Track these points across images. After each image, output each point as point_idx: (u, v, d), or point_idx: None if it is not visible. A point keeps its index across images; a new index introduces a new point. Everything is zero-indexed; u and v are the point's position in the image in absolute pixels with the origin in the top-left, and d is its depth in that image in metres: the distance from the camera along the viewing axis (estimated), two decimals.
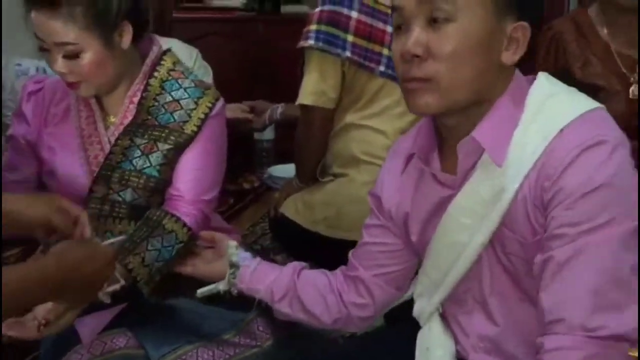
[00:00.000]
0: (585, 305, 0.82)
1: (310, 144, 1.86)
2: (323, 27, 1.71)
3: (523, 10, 0.89)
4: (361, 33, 1.73)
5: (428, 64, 0.89)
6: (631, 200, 0.85)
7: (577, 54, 1.75)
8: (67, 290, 0.92)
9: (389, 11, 1.79)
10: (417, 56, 0.89)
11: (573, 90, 0.95)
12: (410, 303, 1.14)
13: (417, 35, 0.89)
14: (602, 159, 0.84)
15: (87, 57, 1.20)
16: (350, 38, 1.71)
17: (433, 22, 0.88)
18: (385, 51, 1.77)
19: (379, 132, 1.79)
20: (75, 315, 1.06)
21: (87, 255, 0.95)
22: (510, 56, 0.91)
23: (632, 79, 1.72)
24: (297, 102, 1.79)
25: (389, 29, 1.77)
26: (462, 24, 0.87)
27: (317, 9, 1.75)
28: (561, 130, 0.87)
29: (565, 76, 1.71)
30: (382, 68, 1.76)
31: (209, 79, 2.51)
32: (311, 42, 1.70)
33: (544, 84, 0.94)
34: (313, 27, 1.72)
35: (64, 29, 1.17)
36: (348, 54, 1.71)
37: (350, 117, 1.80)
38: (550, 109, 0.91)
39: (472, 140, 0.92)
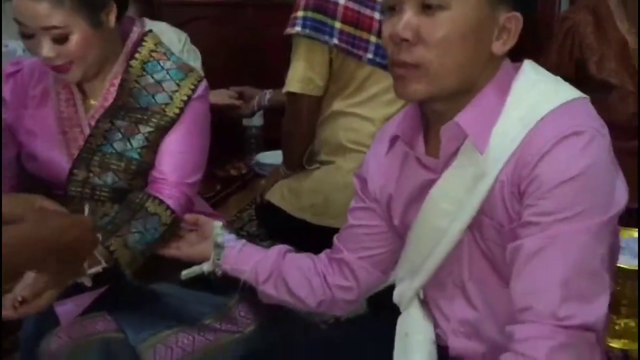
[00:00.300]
0: (555, 295, 0.82)
1: (297, 131, 1.85)
2: (310, 14, 1.69)
3: (516, 0, 0.89)
4: (349, 20, 1.72)
5: (417, 49, 0.88)
6: (605, 192, 0.85)
7: (594, 48, 1.69)
8: (49, 257, 0.89)
9: None
10: (406, 40, 0.88)
11: (558, 79, 0.95)
12: (393, 288, 1.13)
13: (409, 19, 0.88)
14: (579, 149, 0.84)
15: (75, 39, 1.17)
16: (337, 25, 1.69)
17: (426, 8, 0.87)
18: (372, 38, 1.75)
19: (367, 119, 1.78)
20: (54, 296, 1.05)
21: (67, 222, 0.93)
22: (500, 46, 0.90)
23: None
24: (284, 90, 1.77)
25: (377, 15, 1.75)
26: (456, 11, 0.87)
27: None
28: (541, 119, 0.87)
29: (580, 69, 1.70)
30: (369, 55, 1.74)
31: (197, 63, 2.50)
32: (298, 28, 1.69)
33: (529, 72, 0.94)
34: (300, 13, 1.70)
35: (51, 12, 1.14)
36: (335, 41, 1.69)
37: (337, 105, 1.78)
38: (533, 97, 0.90)
39: (456, 125, 0.91)
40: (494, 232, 0.92)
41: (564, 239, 0.83)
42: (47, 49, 1.17)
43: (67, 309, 1.18)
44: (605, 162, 0.86)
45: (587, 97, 0.92)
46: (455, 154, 0.94)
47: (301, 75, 1.73)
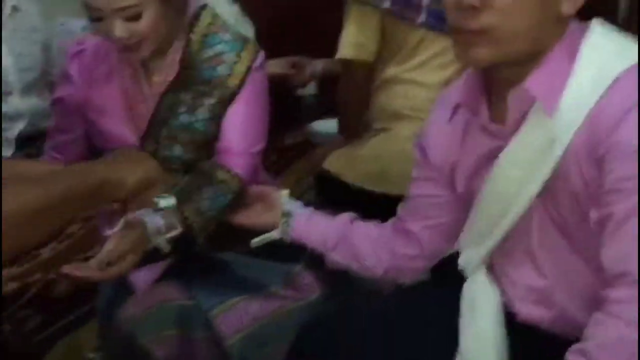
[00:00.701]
0: None
1: (352, 98, 1.84)
2: None
3: None
4: None
5: (484, 15, 0.86)
6: None
7: None
8: (117, 164, 0.89)
9: None
10: (473, 6, 0.86)
11: (626, 38, 0.92)
12: (457, 257, 1.13)
13: None
14: None
15: (147, 16, 1.19)
16: None
17: None
18: (425, 0, 1.72)
19: (421, 85, 1.75)
20: (135, 260, 1.11)
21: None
22: (570, 6, 0.87)
23: None
24: (337, 57, 1.76)
25: None
26: None
27: None
28: (614, 81, 0.84)
29: None
30: (422, 18, 1.71)
31: (250, 33, 2.50)
32: None
33: (598, 33, 0.91)
34: None
35: None
36: (387, 4, 1.66)
37: (391, 71, 1.77)
38: (603, 57, 0.87)
39: (524, 90, 0.89)
40: (568, 198, 0.90)
41: None
42: (120, 29, 1.19)
43: (141, 277, 1.24)
44: None
45: None
46: (522, 119, 0.92)
47: (353, 40, 1.72)
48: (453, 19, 0.90)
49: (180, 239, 1.19)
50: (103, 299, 1.32)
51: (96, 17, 1.20)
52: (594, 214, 0.87)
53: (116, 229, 1.10)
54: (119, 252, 1.09)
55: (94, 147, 1.38)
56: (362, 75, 1.77)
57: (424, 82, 1.75)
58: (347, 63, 1.75)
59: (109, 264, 1.09)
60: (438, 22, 1.73)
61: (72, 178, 0.82)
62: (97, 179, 0.83)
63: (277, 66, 2.18)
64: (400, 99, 1.77)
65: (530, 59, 0.90)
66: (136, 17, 1.19)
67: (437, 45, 1.74)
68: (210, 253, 1.29)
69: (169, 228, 1.16)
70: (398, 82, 1.77)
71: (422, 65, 1.75)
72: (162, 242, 1.15)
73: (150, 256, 1.19)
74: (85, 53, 1.35)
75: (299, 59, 2.25)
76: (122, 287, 1.25)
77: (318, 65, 2.18)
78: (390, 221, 1.19)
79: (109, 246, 1.10)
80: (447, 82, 1.73)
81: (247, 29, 2.48)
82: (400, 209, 1.17)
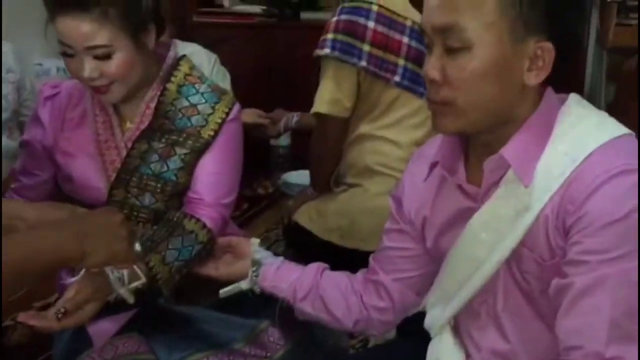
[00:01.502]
0: (603, 336, 0.82)
1: (324, 152, 1.86)
2: (339, 36, 1.71)
3: (547, 30, 0.87)
4: (377, 43, 1.73)
5: (444, 89, 0.89)
6: None
7: None
8: (87, 238, 0.90)
9: (406, 22, 1.81)
10: (434, 80, 0.89)
11: (603, 113, 0.94)
12: (423, 315, 1.13)
13: (434, 60, 0.89)
14: (628, 188, 0.83)
15: (118, 58, 1.19)
16: (366, 48, 1.71)
17: (450, 49, 0.88)
18: (401, 62, 1.76)
19: (394, 143, 1.78)
20: (95, 309, 1.08)
21: (92, 211, 0.98)
22: (533, 77, 0.89)
23: None
24: (312, 111, 1.79)
25: (406, 39, 1.77)
26: (477, 52, 0.86)
27: (334, 18, 1.76)
28: (589, 155, 0.86)
29: None
30: (397, 78, 1.76)
31: (226, 83, 2.53)
32: (327, 50, 1.71)
33: (575, 106, 0.93)
34: (330, 35, 1.72)
35: (97, 32, 1.15)
36: (364, 63, 1.70)
37: (365, 127, 1.79)
38: (579, 131, 0.90)
39: (500, 157, 0.91)
40: (534, 265, 0.91)
41: (613, 279, 0.83)
42: (90, 69, 1.18)
43: (100, 329, 1.20)
44: None
45: (633, 133, 0.91)
46: (497, 183, 0.94)
47: (329, 96, 1.74)
48: (427, 90, 0.93)
49: (145, 290, 1.16)
50: (59, 349, 1.27)
51: (68, 54, 1.20)
52: (554, 282, 0.88)
53: (77, 277, 1.08)
54: (78, 301, 1.06)
55: (62, 193, 1.36)
56: (335, 131, 1.80)
57: (397, 140, 1.78)
58: (321, 118, 1.77)
59: (67, 312, 1.05)
60: (412, 84, 1.78)
61: (33, 250, 0.82)
62: (58, 254, 0.84)
63: (250, 116, 2.21)
64: (372, 156, 1.79)
65: (505, 126, 0.92)
66: (106, 57, 1.18)
67: (411, 106, 1.78)
68: (175, 306, 1.26)
69: (133, 278, 1.14)
70: (371, 139, 1.79)
71: (396, 124, 1.78)
72: (124, 292, 1.12)
73: (112, 307, 1.16)
74: (58, 96, 1.34)
75: (275, 111, 2.28)
76: (80, 338, 1.20)
77: (292, 117, 2.21)
78: (361, 272, 1.19)
79: (68, 294, 1.08)
80: (418, 142, 1.76)
81: (222, 78, 2.51)
82: (372, 259, 1.17)
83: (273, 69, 2.99)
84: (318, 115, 1.77)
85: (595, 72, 3.03)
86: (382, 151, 1.79)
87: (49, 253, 0.84)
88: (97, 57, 1.18)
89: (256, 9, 3.06)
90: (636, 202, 0.83)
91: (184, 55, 1.39)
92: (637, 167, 0.84)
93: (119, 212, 1.00)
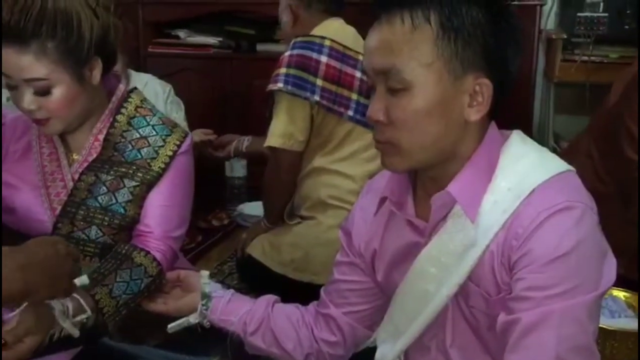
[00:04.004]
0: None
1: (278, 185, 1.86)
2: (292, 71, 1.73)
3: (484, 67, 0.89)
4: (330, 77, 1.75)
5: (389, 130, 0.90)
6: (596, 267, 0.87)
7: None
8: (30, 272, 0.88)
9: (358, 56, 1.84)
10: (378, 121, 0.91)
11: (544, 150, 0.97)
12: (374, 350, 1.12)
13: (377, 101, 0.91)
14: (571, 225, 0.85)
15: (57, 93, 1.18)
16: (319, 82, 1.73)
17: (392, 90, 0.89)
18: (354, 96, 1.79)
19: (347, 176, 1.80)
20: (36, 342, 1.03)
21: (35, 241, 0.94)
22: (474, 113, 0.91)
23: None
24: (265, 145, 1.79)
25: (358, 74, 1.80)
26: (418, 91, 0.88)
27: (287, 53, 1.78)
28: (532, 191, 0.88)
29: None
30: (350, 113, 1.78)
31: (180, 114, 2.52)
32: (280, 85, 1.72)
33: (517, 142, 0.95)
34: (282, 70, 1.74)
35: (34, 65, 1.14)
36: (317, 97, 1.72)
37: (318, 161, 1.81)
38: (522, 168, 0.91)
39: (447, 194, 0.92)
40: (481, 300, 0.92)
41: (557, 315, 0.84)
42: (29, 101, 1.17)
43: None
44: (595, 238, 0.87)
45: (574, 169, 0.93)
46: (444, 218, 0.95)
47: (282, 130, 1.75)
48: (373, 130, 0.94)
49: (90, 327, 1.13)
50: None
51: (11, 85, 1.18)
52: (501, 318, 0.89)
53: (18, 309, 1.03)
54: (18, 333, 1.00)
55: (5, 226, 1.31)
56: (289, 164, 1.80)
57: (350, 173, 1.79)
58: (275, 151, 1.78)
59: (6, 345, 1.00)
60: (364, 118, 1.80)
61: None
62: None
63: (196, 134, 2.18)
64: (325, 189, 1.80)
65: (450, 162, 0.93)
66: (45, 92, 1.17)
67: (364, 139, 1.80)
68: (120, 344, 1.22)
69: (78, 311, 1.10)
70: (325, 172, 1.80)
71: (349, 158, 1.80)
72: (69, 325, 1.08)
73: (55, 344, 1.12)
74: (2, 128, 1.31)
75: (225, 136, 2.26)
76: None
77: (243, 141, 2.19)
78: (312, 305, 1.18)
79: (7, 326, 1.02)
80: (372, 174, 1.77)
81: (177, 109, 2.50)
82: (323, 292, 1.16)
83: (228, 100, 2.99)
84: (272, 149, 1.78)
85: (544, 105, 3.14)
86: (335, 184, 1.80)
87: None
88: (36, 92, 1.17)
89: (212, 40, 3.07)
90: (580, 237, 0.84)
91: (135, 88, 1.38)
92: (577, 203, 0.86)
93: (62, 241, 0.97)
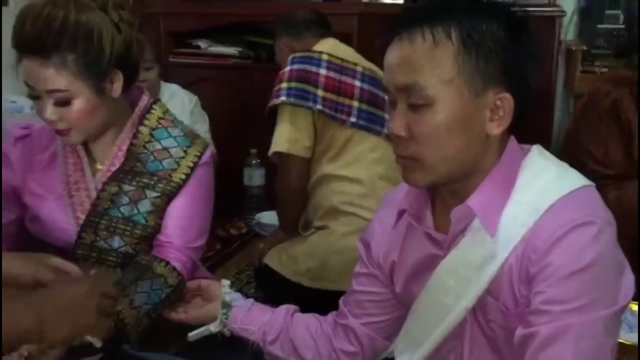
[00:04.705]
0: None
1: (289, 194, 1.88)
2: (293, 84, 1.76)
3: (505, 82, 0.90)
4: (331, 88, 1.79)
5: (410, 144, 0.91)
6: (614, 282, 0.87)
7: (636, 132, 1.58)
8: (48, 314, 0.88)
9: (357, 68, 1.88)
10: (400, 136, 0.92)
11: (564, 165, 0.97)
12: None
13: (399, 117, 0.91)
14: (590, 239, 0.85)
15: (77, 104, 1.20)
16: (320, 92, 1.76)
17: (413, 106, 0.90)
18: (355, 103, 1.82)
19: (355, 180, 1.81)
20: (58, 354, 1.05)
21: (62, 281, 0.94)
22: (495, 127, 0.91)
23: None
24: (270, 151, 1.81)
25: (358, 83, 1.84)
26: (439, 107, 0.89)
27: (287, 69, 1.81)
28: (551, 206, 0.89)
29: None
30: (353, 119, 1.81)
31: (205, 126, 2.55)
32: (283, 98, 1.76)
33: (537, 157, 0.96)
34: (284, 85, 1.78)
35: (55, 77, 1.17)
36: (319, 106, 1.75)
37: (325, 168, 1.83)
38: (542, 182, 0.92)
39: (467, 208, 0.93)
40: (499, 314, 0.93)
41: (575, 329, 0.84)
42: (50, 112, 1.19)
43: None
44: (613, 252, 0.88)
45: (594, 184, 0.94)
46: (463, 231, 0.95)
47: (287, 136, 1.78)
48: (393, 146, 0.95)
49: (111, 335, 1.14)
50: None
51: (34, 96, 1.21)
52: (519, 331, 0.89)
53: None
54: (40, 346, 1.03)
55: (30, 235, 1.34)
56: (297, 169, 1.83)
57: (358, 177, 1.81)
58: (282, 157, 1.80)
59: (30, 357, 1.02)
60: (369, 123, 1.84)
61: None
62: (14, 331, 0.83)
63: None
64: (335, 196, 1.82)
65: (471, 176, 0.94)
66: (66, 103, 1.19)
67: (368, 142, 1.82)
68: (140, 352, 1.24)
69: None
70: (333, 179, 1.82)
71: (354, 162, 1.82)
72: (93, 339, 1.09)
73: (75, 353, 1.13)
74: (29, 138, 1.34)
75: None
76: None
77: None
78: (331, 315, 1.19)
79: None
80: (382, 176, 1.80)
81: (202, 121, 2.53)
82: (342, 302, 1.17)
83: (247, 109, 3.02)
84: (278, 155, 1.80)
85: (563, 117, 3.12)
86: (344, 190, 1.81)
87: (5, 328, 0.82)
88: (57, 103, 1.19)
89: (232, 50, 3.10)
90: (598, 252, 0.85)
91: (158, 99, 1.40)
92: (596, 218, 0.87)
93: (86, 282, 0.97)
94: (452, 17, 0.88)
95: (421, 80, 0.88)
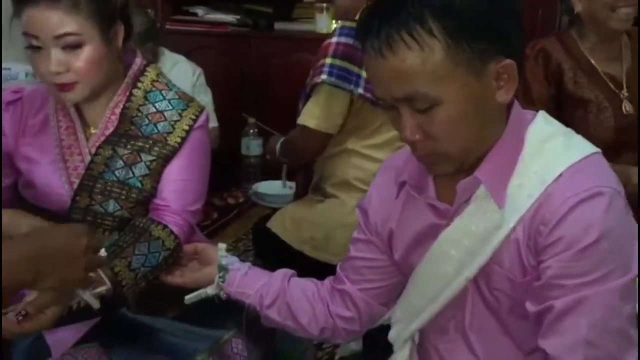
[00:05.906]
0: (579, 356, 0.84)
1: (299, 160, 1.87)
2: (338, 62, 1.68)
3: (499, 51, 0.86)
4: None
5: (429, 144, 0.89)
6: (627, 251, 0.86)
7: (566, 68, 1.79)
8: (42, 261, 0.87)
9: None
10: (416, 140, 0.89)
11: (570, 131, 0.95)
12: (388, 327, 1.12)
13: (408, 122, 0.87)
14: (601, 212, 0.84)
15: (87, 51, 1.17)
16: (364, 74, 1.68)
17: (420, 109, 0.86)
18: None
19: (377, 161, 1.77)
20: (57, 313, 1.03)
21: (58, 229, 0.93)
22: (504, 94, 0.88)
23: (621, 95, 1.78)
24: (299, 121, 1.75)
25: None
26: (447, 104, 0.85)
27: (334, 39, 1.71)
28: (559, 175, 0.87)
29: (559, 88, 1.78)
30: None
31: (208, 98, 2.52)
32: (324, 77, 1.67)
33: (542, 124, 0.94)
34: (328, 60, 1.68)
35: (65, 19, 1.14)
36: (360, 90, 1.67)
37: (352, 144, 1.78)
38: (548, 151, 0.90)
39: (475, 179, 0.91)
40: (506, 282, 0.91)
41: (590, 301, 0.84)
42: (57, 62, 1.16)
43: (59, 338, 1.17)
44: (625, 221, 0.87)
45: (600, 150, 0.92)
46: (467, 200, 0.94)
47: (318, 113, 1.71)
48: (410, 148, 0.93)
49: (108, 299, 1.13)
50: (18, 359, 1.23)
51: (36, 47, 1.17)
52: (531, 307, 0.88)
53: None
54: (40, 304, 1.01)
55: (24, 200, 1.32)
56: (317, 146, 1.79)
57: (380, 159, 1.77)
58: (308, 130, 1.74)
59: (28, 316, 1.00)
60: None
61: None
62: (10, 278, 0.82)
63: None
64: (353, 170, 1.78)
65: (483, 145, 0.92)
66: (76, 47, 1.17)
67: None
68: (138, 316, 1.23)
69: (98, 283, 1.11)
70: (357, 155, 1.78)
71: (385, 145, 1.77)
72: (89, 297, 1.08)
73: (73, 315, 1.13)
74: (20, 102, 1.31)
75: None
76: (39, 348, 1.17)
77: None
78: (328, 280, 1.18)
79: (28, 297, 1.03)
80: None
81: (204, 93, 2.50)
82: (339, 269, 1.16)
83: (246, 78, 2.98)
84: (305, 127, 1.75)
85: None
86: (363, 167, 1.78)
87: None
88: (66, 47, 1.16)
89: (230, 18, 3.05)
90: (610, 224, 0.84)
91: (151, 62, 1.37)
92: (606, 188, 0.85)
93: (85, 235, 0.94)
94: (422, 10, 0.82)
95: (421, 88, 0.84)
